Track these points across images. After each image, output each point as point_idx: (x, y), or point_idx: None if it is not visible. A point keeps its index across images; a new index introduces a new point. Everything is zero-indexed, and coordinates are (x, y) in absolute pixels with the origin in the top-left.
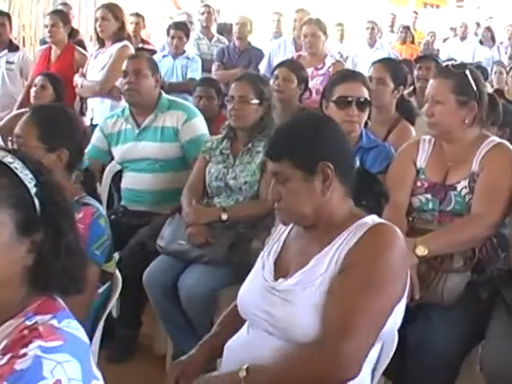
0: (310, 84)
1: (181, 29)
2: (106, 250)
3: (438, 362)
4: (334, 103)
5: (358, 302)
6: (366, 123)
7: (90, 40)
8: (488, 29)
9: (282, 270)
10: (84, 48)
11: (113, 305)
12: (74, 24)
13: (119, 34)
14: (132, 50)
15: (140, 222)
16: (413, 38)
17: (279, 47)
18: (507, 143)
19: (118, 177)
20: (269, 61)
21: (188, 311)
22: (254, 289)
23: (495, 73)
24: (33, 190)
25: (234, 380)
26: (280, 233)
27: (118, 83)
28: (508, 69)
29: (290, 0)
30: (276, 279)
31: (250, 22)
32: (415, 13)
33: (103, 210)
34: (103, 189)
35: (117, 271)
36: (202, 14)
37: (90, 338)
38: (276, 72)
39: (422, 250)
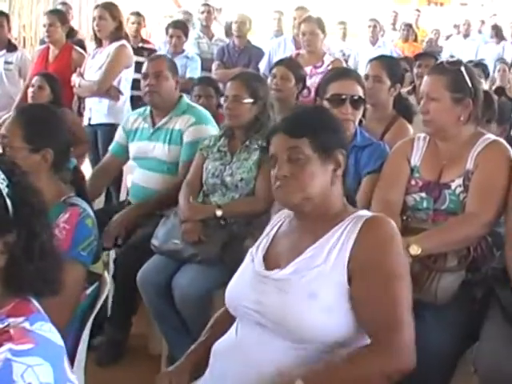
0: (309, 82)
1: (179, 28)
2: (93, 250)
3: (431, 363)
4: (327, 101)
5: (390, 296)
6: (361, 121)
7: (90, 40)
8: (495, 26)
9: (271, 263)
10: (83, 48)
11: (106, 305)
12: (75, 24)
13: (117, 34)
14: (130, 50)
15: (141, 221)
16: (416, 35)
17: (279, 46)
18: (502, 141)
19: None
20: (269, 59)
21: (182, 311)
22: (244, 281)
23: (498, 70)
24: (5, 191)
25: None
26: (269, 229)
27: (115, 82)
28: (510, 66)
29: None
30: (269, 270)
31: (249, 20)
32: (418, 10)
33: (90, 209)
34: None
35: (105, 272)
36: (202, 12)
37: (78, 340)
38: (274, 71)
39: (415, 249)
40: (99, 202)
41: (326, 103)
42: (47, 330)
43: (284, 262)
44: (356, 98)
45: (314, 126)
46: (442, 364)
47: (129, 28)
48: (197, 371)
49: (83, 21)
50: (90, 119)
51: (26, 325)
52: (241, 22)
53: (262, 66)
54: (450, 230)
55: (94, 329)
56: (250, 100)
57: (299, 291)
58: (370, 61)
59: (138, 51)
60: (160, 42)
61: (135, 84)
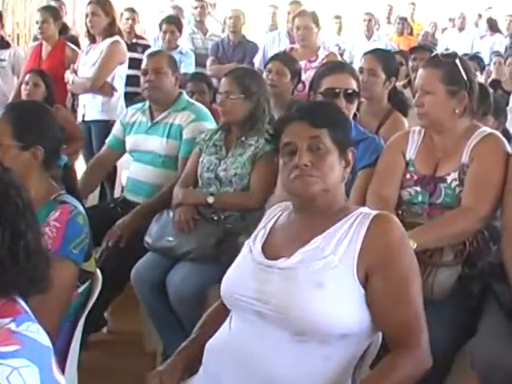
0: (303, 77)
1: (173, 23)
2: (85, 248)
3: None
4: (321, 95)
5: (409, 298)
6: (355, 115)
7: (85, 36)
8: (490, 19)
9: (271, 254)
10: (77, 44)
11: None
12: (69, 20)
13: (110, 30)
14: (123, 46)
15: None
16: (411, 29)
17: (273, 40)
18: (498, 134)
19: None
20: (263, 54)
21: (176, 309)
22: (243, 271)
23: (494, 63)
24: None
25: None
26: (266, 221)
27: (109, 79)
28: (505, 59)
29: None
30: (271, 260)
31: (242, 15)
32: (413, 4)
33: (81, 207)
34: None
35: (97, 270)
36: (196, 8)
37: (70, 338)
38: (269, 66)
39: (411, 244)
40: (93, 199)
41: (319, 97)
42: (34, 331)
43: (286, 252)
44: (350, 91)
45: (334, 119)
46: (438, 360)
47: (123, 24)
48: (189, 369)
49: (77, 17)
50: (83, 116)
51: (12, 326)
52: (235, 17)
53: (257, 60)
54: (445, 224)
55: (88, 326)
56: (241, 96)
57: (306, 280)
58: (365, 54)
59: (132, 47)
60: (152, 38)
61: (129, 80)
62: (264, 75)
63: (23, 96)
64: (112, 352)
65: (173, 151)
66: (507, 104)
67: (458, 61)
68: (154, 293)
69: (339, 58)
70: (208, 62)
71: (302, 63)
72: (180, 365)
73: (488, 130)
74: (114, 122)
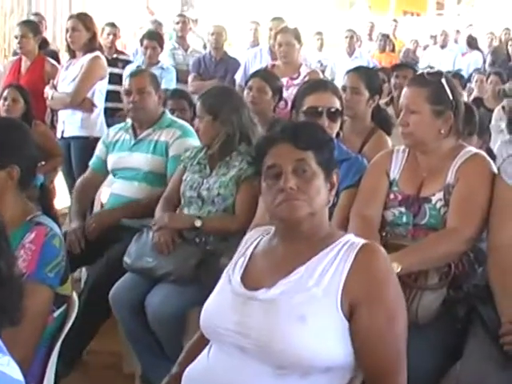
0: (285, 94)
1: (154, 39)
2: (61, 271)
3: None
4: (304, 114)
5: (393, 334)
6: (338, 134)
7: (65, 51)
8: (469, 36)
9: (251, 283)
10: (57, 59)
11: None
12: (49, 35)
13: (90, 45)
14: (104, 61)
15: (114, 237)
16: (393, 46)
17: (255, 56)
18: (484, 153)
19: None
20: (245, 70)
21: (156, 330)
22: (223, 302)
23: (476, 81)
24: None
25: None
26: (245, 248)
27: (89, 95)
28: (487, 76)
29: (268, 9)
30: (251, 290)
31: (224, 31)
32: (395, 21)
33: (58, 228)
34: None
35: (74, 294)
36: (178, 23)
37: (45, 365)
38: (250, 83)
39: (395, 267)
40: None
41: (302, 116)
42: (4, 364)
43: (267, 282)
44: (333, 110)
45: (319, 141)
46: None
47: (104, 39)
48: None
49: (57, 32)
50: (63, 132)
51: None
52: (217, 33)
53: (238, 76)
54: (430, 246)
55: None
56: (209, 118)
57: (288, 313)
58: (348, 72)
59: (112, 62)
60: (132, 53)
61: (110, 96)
62: (245, 92)
63: (1, 112)
64: (90, 373)
65: (158, 167)
66: (489, 122)
67: (443, 80)
68: (133, 314)
69: (321, 75)
70: (190, 78)
71: (284, 80)
72: None
73: (473, 149)
74: (94, 138)
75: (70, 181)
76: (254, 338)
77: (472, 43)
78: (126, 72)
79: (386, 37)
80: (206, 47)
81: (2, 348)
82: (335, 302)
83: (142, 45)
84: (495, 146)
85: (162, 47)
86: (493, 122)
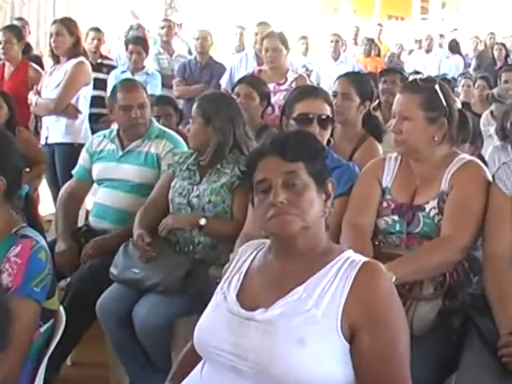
0: (273, 100)
1: (139, 44)
2: (48, 285)
3: None
4: (294, 121)
5: (397, 355)
6: (329, 141)
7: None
8: (452, 41)
9: (247, 303)
10: (41, 64)
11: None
12: (32, 39)
13: (74, 50)
14: (88, 66)
15: None
16: (379, 50)
17: (241, 61)
18: (478, 160)
19: None
20: (230, 75)
21: (143, 341)
22: (217, 322)
23: (463, 86)
24: None
25: None
26: (240, 264)
27: (73, 101)
28: (474, 81)
29: (254, 13)
30: (248, 311)
31: (210, 36)
32: (380, 25)
33: (44, 241)
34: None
35: (61, 308)
36: (163, 28)
37: (33, 380)
38: (236, 89)
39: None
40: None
41: (292, 123)
42: None
43: (265, 302)
44: (324, 117)
45: (309, 151)
46: None
47: (88, 44)
48: None
49: (41, 37)
50: (47, 138)
51: None
52: (202, 37)
53: (224, 81)
54: (424, 255)
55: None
56: (201, 121)
57: (286, 336)
58: (339, 77)
59: (97, 67)
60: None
61: (94, 101)
62: None
63: None
64: None
65: (148, 179)
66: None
67: (437, 86)
68: (120, 325)
69: (308, 81)
70: (174, 83)
71: (271, 86)
72: None
73: (467, 157)
74: (79, 144)
75: (55, 188)
76: (252, 361)
77: (454, 47)
78: (111, 77)
79: (371, 41)
80: (190, 52)
81: None
82: (335, 324)
83: (126, 49)
84: (486, 152)
85: (147, 52)
86: (481, 127)
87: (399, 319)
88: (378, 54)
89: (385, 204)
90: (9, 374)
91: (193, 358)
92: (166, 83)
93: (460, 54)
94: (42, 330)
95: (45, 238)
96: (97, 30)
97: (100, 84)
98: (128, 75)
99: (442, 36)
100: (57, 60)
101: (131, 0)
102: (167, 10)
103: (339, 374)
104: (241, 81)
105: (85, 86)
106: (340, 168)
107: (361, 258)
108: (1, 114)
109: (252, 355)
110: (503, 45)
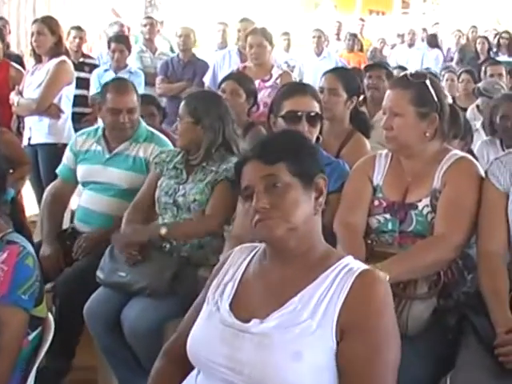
0: (258, 97)
1: (122, 42)
2: (35, 292)
3: None
4: (282, 118)
5: (382, 362)
6: (318, 138)
7: (30, 56)
8: (432, 35)
9: (241, 313)
10: (22, 64)
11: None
12: (13, 39)
13: (56, 49)
14: (70, 65)
15: None
16: (361, 45)
17: (224, 58)
18: (470, 157)
19: None
20: (213, 73)
21: (132, 345)
22: (211, 334)
23: (446, 80)
24: None
25: None
26: (233, 271)
27: (55, 100)
28: (458, 75)
29: (236, 10)
30: (242, 321)
31: (193, 33)
32: (362, 20)
33: (31, 247)
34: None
35: (49, 315)
36: (145, 25)
37: None
38: (223, 86)
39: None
40: (36, 234)
41: (280, 121)
42: None
43: (260, 313)
44: (313, 114)
45: (290, 149)
46: None
47: (70, 42)
48: None
49: (22, 36)
50: (29, 139)
51: None
52: (185, 35)
53: (207, 79)
54: (418, 254)
55: None
56: (190, 120)
57: (282, 349)
58: (326, 73)
59: (79, 66)
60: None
61: (77, 100)
62: None
63: None
64: None
65: (136, 184)
66: None
67: (427, 81)
68: (108, 328)
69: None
70: (157, 81)
71: (256, 82)
72: None
73: (460, 153)
74: (62, 144)
75: (38, 189)
76: (247, 374)
77: (432, 41)
78: (94, 76)
79: (354, 36)
80: (173, 50)
81: None
82: (330, 333)
83: (109, 48)
84: (474, 146)
85: (129, 50)
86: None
87: (388, 330)
88: (361, 49)
89: (376, 202)
90: None
91: (167, 376)
92: (149, 81)
93: (439, 47)
94: (30, 337)
95: (32, 243)
96: (78, 28)
97: (82, 83)
98: (111, 74)
99: (424, 30)
100: (38, 59)
101: None
102: (147, 7)
103: None
104: (227, 77)
105: (67, 86)
106: (330, 165)
107: (359, 266)
108: None
109: (247, 369)
110: (486, 38)
